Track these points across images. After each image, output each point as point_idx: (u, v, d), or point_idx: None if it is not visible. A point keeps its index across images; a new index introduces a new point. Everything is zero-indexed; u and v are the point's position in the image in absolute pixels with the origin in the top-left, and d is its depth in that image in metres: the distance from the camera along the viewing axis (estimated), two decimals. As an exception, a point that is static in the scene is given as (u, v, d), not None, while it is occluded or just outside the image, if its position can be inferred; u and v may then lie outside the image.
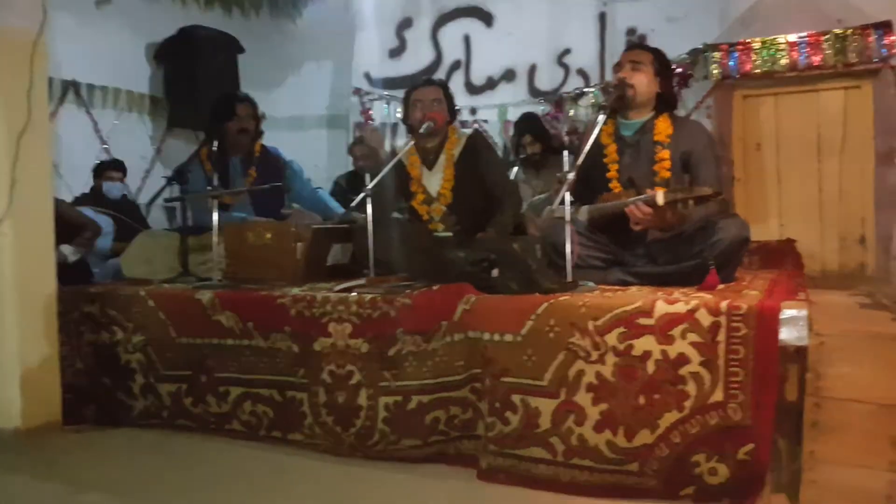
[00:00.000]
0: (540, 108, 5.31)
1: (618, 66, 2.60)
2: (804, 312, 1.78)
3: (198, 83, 5.46)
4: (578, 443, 1.97)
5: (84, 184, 4.44)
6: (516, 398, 2.05)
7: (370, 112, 6.11)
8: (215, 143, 3.06)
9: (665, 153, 2.49)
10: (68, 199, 3.97)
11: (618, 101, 2.51)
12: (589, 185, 2.57)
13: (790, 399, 1.74)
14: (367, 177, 2.63)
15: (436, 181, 2.92)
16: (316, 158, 6.14)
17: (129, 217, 3.90)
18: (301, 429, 2.42)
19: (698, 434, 1.85)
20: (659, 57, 2.60)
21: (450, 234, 2.86)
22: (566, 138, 5.03)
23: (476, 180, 2.89)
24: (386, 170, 2.71)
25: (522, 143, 4.44)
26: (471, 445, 2.19)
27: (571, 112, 5.31)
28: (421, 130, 2.82)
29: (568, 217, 2.22)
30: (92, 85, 5.29)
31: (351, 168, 5.36)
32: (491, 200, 2.92)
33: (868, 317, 1.81)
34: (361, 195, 2.61)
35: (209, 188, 2.98)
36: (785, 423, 1.76)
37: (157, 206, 4.08)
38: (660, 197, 2.26)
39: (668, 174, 2.48)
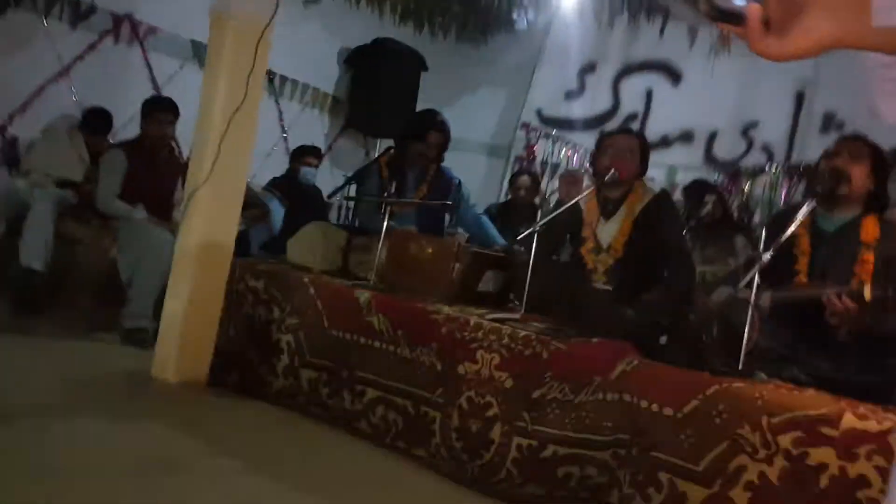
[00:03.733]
0: (713, 177, 5.12)
1: (832, 155, 2.42)
2: None
3: (380, 91, 5.70)
4: (724, 543, 1.82)
5: (257, 165, 4.72)
6: (664, 476, 1.93)
7: (535, 148, 6.13)
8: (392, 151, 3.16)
9: (870, 255, 2.30)
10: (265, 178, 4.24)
11: (828, 192, 2.34)
12: (770, 272, 2.41)
13: None
14: (539, 213, 2.61)
15: (610, 232, 2.85)
16: (469, 183, 6.24)
17: (311, 204, 4.09)
18: (427, 446, 2.40)
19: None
20: (878, 153, 2.41)
21: (609, 287, 2.78)
22: (735, 214, 4.81)
23: (652, 240, 2.79)
24: (560, 210, 2.68)
25: (701, 205, 4.22)
26: (599, 509, 2.09)
27: (746, 187, 5.08)
28: (606, 178, 2.76)
29: (753, 300, 2.09)
30: (285, 77, 5.65)
31: (505, 198, 5.38)
32: (660, 263, 2.81)
33: None
34: (530, 230, 2.59)
35: (384, 194, 3.08)
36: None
37: (332, 201, 4.26)
38: (867, 290, 2.08)
39: (868, 277, 2.28)
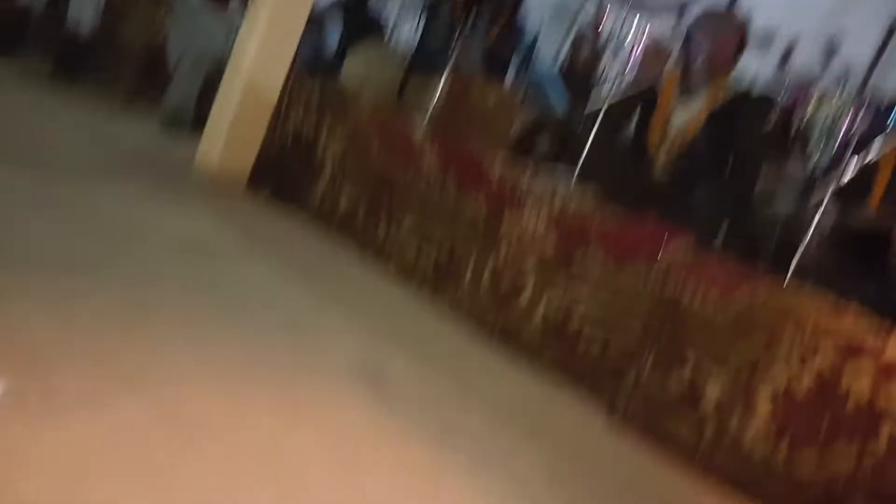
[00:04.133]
0: (781, 91, 4.88)
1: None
2: None
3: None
4: (734, 436, 1.86)
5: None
6: (688, 368, 1.95)
7: (602, 23, 5.80)
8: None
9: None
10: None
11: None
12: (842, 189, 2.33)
13: None
14: (612, 85, 2.49)
15: (681, 120, 2.71)
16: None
17: (371, 28, 3.91)
18: (455, 293, 2.41)
19: (867, 482, 1.71)
20: None
21: (668, 177, 2.69)
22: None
23: (723, 138, 2.66)
24: (634, 90, 2.55)
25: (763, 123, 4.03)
26: (613, 386, 2.11)
27: (810, 110, 4.85)
28: (697, 63, 2.60)
29: (819, 217, 2.03)
30: None
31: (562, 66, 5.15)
32: (725, 164, 2.70)
33: None
34: (602, 105, 2.49)
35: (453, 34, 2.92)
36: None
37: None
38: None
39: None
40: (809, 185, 2.26)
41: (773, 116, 3.91)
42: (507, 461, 1.63)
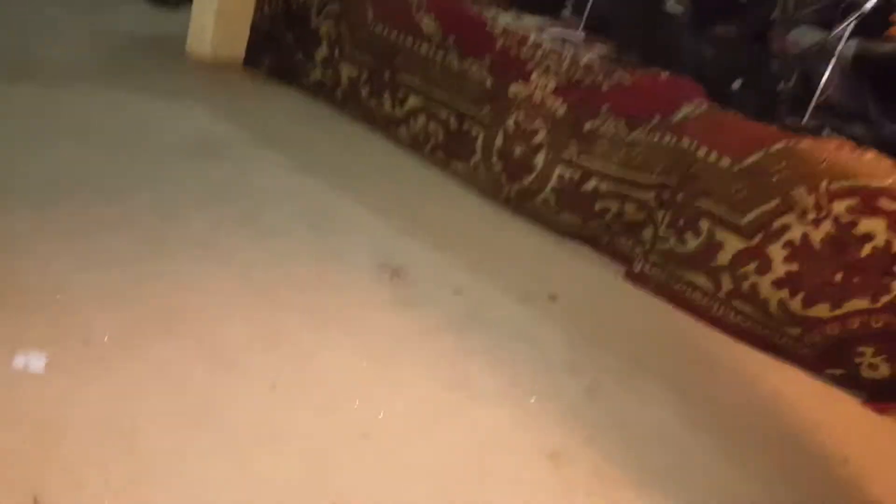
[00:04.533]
0: None
1: None
2: None
3: None
4: (749, 289, 1.91)
5: None
6: (704, 223, 1.96)
7: None
8: None
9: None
10: None
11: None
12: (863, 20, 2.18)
13: None
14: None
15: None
16: None
17: None
18: (467, 162, 2.40)
19: (880, 329, 1.77)
20: None
21: (681, 9, 2.53)
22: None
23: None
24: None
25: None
26: (628, 245, 2.15)
27: None
28: None
29: (839, 51, 1.93)
30: None
31: None
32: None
33: None
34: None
35: None
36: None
37: None
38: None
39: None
40: (828, 16, 2.11)
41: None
42: (529, 330, 1.70)
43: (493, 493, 1.22)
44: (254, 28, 2.75)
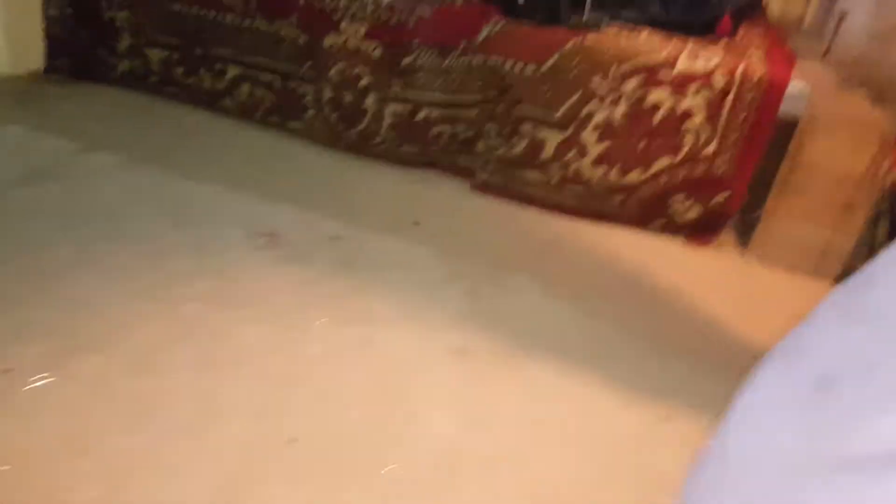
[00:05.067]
0: None
1: None
2: (806, 90, 1.99)
3: None
4: (574, 174, 2.22)
5: None
6: (526, 126, 2.22)
7: None
8: None
9: None
10: None
11: None
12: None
13: (770, 161, 2.03)
14: None
15: None
16: None
17: None
18: (301, 119, 2.50)
19: (683, 179, 2.14)
20: None
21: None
22: None
23: None
24: None
25: None
26: (467, 160, 2.39)
27: None
28: None
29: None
30: None
31: None
32: None
33: (848, 97, 2.07)
34: None
35: None
36: (760, 180, 2.07)
37: None
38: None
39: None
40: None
41: None
42: (404, 256, 1.91)
43: (417, 393, 1.43)
44: (47, 34, 2.62)
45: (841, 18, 3.00)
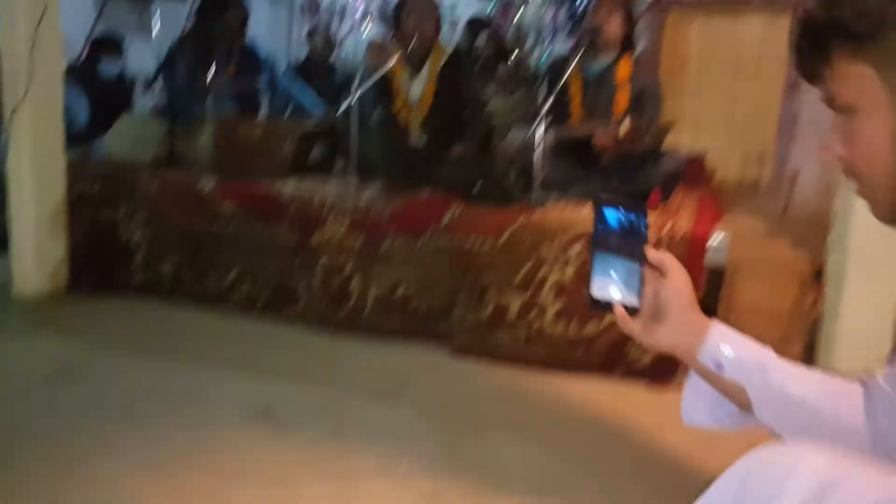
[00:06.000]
0: (488, 7, 5.53)
1: (593, 10, 2.92)
2: (726, 241, 2.31)
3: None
4: (537, 331, 2.48)
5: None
6: (492, 293, 2.52)
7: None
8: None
9: (622, 95, 2.90)
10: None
11: (591, 46, 2.86)
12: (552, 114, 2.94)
13: (707, 308, 2.29)
14: (357, 81, 2.92)
15: (418, 89, 3.19)
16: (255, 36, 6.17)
17: (118, 98, 3.99)
18: (295, 306, 2.81)
19: (633, 328, 2.38)
20: (628, 3, 2.94)
21: (420, 146, 3.18)
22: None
23: (453, 94, 3.18)
24: (374, 78, 2.99)
25: (475, 41, 4.66)
26: (445, 328, 2.66)
27: (517, 17, 5.55)
28: (413, 44, 3.06)
29: (539, 142, 2.64)
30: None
31: (304, 56, 5.44)
32: (462, 115, 3.24)
33: (771, 242, 2.36)
34: (347, 102, 2.91)
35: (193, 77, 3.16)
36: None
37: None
38: (621, 127, 2.70)
39: (622, 110, 2.90)
40: (534, 111, 2.82)
41: (484, 34, 4.56)
42: (387, 418, 2.11)
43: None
44: (71, 256, 3.00)
45: (793, 178, 3.38)
